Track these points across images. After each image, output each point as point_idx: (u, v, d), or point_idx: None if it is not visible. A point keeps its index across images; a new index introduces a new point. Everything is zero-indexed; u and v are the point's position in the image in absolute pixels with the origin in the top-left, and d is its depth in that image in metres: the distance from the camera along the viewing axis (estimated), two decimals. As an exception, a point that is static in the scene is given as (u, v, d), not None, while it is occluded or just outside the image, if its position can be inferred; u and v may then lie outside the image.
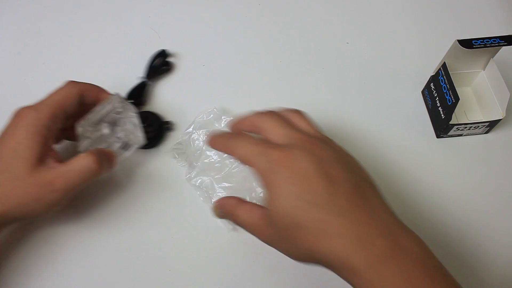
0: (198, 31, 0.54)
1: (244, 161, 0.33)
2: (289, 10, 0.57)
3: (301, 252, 0.31)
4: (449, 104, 0.43)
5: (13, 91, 0.50)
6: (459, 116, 0.48)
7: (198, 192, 0.42)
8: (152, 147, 0.45)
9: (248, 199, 0.40)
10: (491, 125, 0.46)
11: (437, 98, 0.46)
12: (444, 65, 0.44)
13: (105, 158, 0.38)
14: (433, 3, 0.57)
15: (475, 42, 0.42)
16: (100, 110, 0.39)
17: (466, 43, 0.42)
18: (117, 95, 0.41)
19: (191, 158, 0.43)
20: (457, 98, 0.41)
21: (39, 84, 0.50)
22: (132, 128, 0.41)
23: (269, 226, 0.31)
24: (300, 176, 0.30)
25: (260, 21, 0.56)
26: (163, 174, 0.44)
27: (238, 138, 0.34)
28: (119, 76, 0.51)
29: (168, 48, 0.53)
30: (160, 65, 0.50)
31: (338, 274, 0.29)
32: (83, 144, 0.39)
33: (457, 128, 0.45)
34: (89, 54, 0.53)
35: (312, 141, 0.32)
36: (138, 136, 0.42)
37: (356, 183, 0.31)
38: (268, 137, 0.33)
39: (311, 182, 0.30)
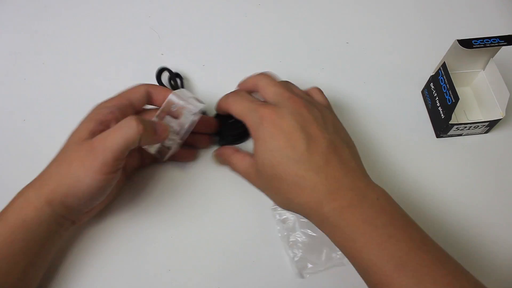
0: (198, 31, 0.54)
1: (239, 116, 0.38)
2: (289, 10, 0.57)
3: (283, 201, 0.36)
4: (449, 104, 0.43)
5: (13, 91, 0.50)
6: (458, 116, 0.48)
7: (278, 227, 0.41)
8: (242, 141, 0.46)
9: (324, 255, 0.39)
10: (491, 125, 0.46)
11: (437, 98, 0.46)
12: (444, 65, 0.44)
13: (149, 124, 0.36)
14: (433, 3, 0.57)
15: (475, 42, 0.42)
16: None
17: (466, 43, 0.42)
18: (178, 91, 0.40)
19: None
20: (457, 98, 0.42)
21: (39, 84, 0.50)
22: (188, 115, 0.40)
23: (257, 175, 0.37)
24: (284, 132, 0.34)
25: (260, 21, 0.56)
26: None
27: (237, 95, 0.39)
28: (119, 76, 0.51)
29: (168, 48, 0.53)
30: (170, 80, 0.48)
31: (312, 222, 0.35)
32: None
33: (456, 128, 0.45)
34: (89, 54, 0.53)
35: (299, 101, 0.36)
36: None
37: (334, 142, 0.35)
38: (263, 95, 0.38)
39: (292, 139, 0.34)
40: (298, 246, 0.39)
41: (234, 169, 0.40)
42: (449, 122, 0.44)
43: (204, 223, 0.42)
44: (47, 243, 0.35)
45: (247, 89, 0.41)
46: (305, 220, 0.40)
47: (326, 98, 0.41)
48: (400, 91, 0.51)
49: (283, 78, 0.51)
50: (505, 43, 0.42)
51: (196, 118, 0.40)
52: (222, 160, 0.42)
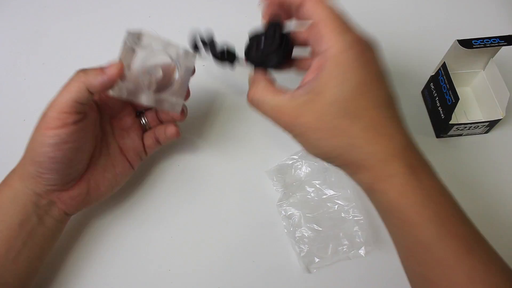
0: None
1: (317, 14, 0.31)
2: (289, 10, 0.57)
3: (334, 143, 0.30)
4: (449, 104, 0.43)
5: (13, 91, 0.50)
6: (458, 116, 0.48)
7: (284, 223, 0.41)
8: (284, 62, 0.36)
9: (330, 249, 0.39)
10: (491, 125, 0.46)
11: (437, 98, 0.46)
12: (444, 65, 0.44)
13: (92, 70, 0.35)
14: (433, 3, 0.57)
15: (475, 42, 0.42)
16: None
17: (466, 43, 0.42)
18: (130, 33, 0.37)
19: (288, 186, 0.43)
20: (457, 98, 0.41)
21: (39, 84, 0.50)
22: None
23: (306, 111, 0.30)
24: (376, 67, 0.30)
25: (260, 21, 0.56)
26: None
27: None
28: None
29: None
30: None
31: (364, 178, 0.30)
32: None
33: (456, 128, 0.45)
34: (89, 54, 0.53)
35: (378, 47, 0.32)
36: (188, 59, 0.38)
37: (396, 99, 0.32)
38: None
39: (381, 80, 0.30)
40: (304, 241, 0.40)
41: (259, 98, 0.33)
42: (449, 122, 0.44)
43: (208, 221, 0.42)
44: (26, 225, 0.34)
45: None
46: (310, 215, 0.41)
47: None
48: (400, 91, 0.50)
49: (283, 79, 0.51)
50: (505, 43, 0.42)
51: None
52: (251, 83, 0.35)
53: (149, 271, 0.40)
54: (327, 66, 0.29)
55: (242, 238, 0.41)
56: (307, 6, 0.31)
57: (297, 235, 0.40)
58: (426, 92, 0.49)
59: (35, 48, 0.53)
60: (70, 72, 0.54)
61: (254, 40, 0.36)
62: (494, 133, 0.47)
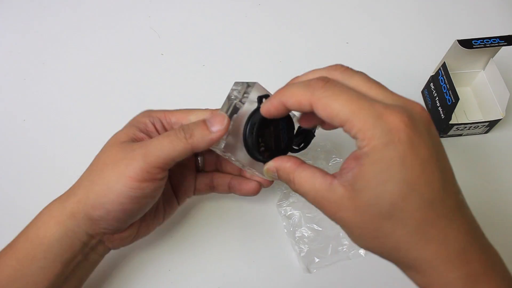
0: (198, 31, 0.54)
1: (341, 117, 0.24)
2: (289, 10, 0.57)
3: (377, 244, 0.26)
4: (449, 104, 0.43)
5: (13, 91, 0.50)
6: (458, 116, 0.48)
7: (284, 223, 0.41)
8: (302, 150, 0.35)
9: (330, 249, 0.39)
10: (491, 125, 0.46)
11: (437, 98, 0.46)
12: (444, 65, 0.44)
13: (198, 124, 0.30)
14: (433, 3, 0.57)
15: (475, 42, 0.42)
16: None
17: (466, 43, 0.42)
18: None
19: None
20: (457, 98, 0.41)
21: (39, 84, 0.50)
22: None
23: (348, 206, 0.25)
24: (420, 159, 0.24)
25: (260, 21, 0.56)
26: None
27: (332, 85, 0.25)
28: (119, 76, 0.51)
29: (168, 48, 0.53)
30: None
31: (411, 276, 0.26)
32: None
33: (456, 128, 0.45)
34: (88, 54, 0.53)
35: (423, 109, 0.25)
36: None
37: (454, 181, 0.26)
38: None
39: (428, 170, 0.24)
40: (304, 241, 0.40)
41: (298, 190, 0.29)
42: (449, 122, 0.44)
43: (208, 220, 0.42)
44: (71, 263, 0.31)
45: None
46: (310, 215, 0.40)
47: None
48: (400, 91, 0.50)
49: (283, 78, 0.51)
50: (505, 43, 0.42)
51: None
52: (280, 176, 0.30)
53: (149, 271, 0.40)
54: (366, 163, 0.24)
55: (242, 238, 0.41)
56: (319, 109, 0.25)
57: (297, 235, 0.40)
58: (426, 92, 0.49)
59: (35, 48, 0.53)
60: (70, 72, 0.54)
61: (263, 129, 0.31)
62: (494, 133, 0.47)
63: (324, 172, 0.27)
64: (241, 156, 0.32)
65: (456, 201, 0.25)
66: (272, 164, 0.30)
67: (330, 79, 0.26)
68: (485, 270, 0.25)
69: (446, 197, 0.24)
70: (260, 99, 0.30)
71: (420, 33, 0.55)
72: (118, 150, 0.30)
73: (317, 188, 0.27)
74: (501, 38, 0.42)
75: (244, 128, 0.31)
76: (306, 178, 0.27)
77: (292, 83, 0.28)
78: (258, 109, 0.30)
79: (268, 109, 0.28)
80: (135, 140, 0.32)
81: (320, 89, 0.25)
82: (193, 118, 0.33)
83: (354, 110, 0.24)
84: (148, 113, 0.34)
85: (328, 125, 0.30)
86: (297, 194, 0.41)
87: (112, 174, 0.30)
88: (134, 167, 0.29)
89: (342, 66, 0.28)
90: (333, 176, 0.26)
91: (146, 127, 0.33)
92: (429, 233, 0.24)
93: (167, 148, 0.29)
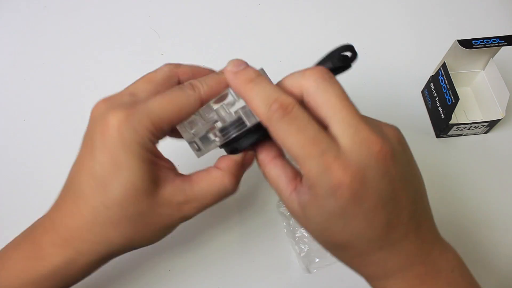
0: (198, 31, 0.54)
1: (290, 151, 0.24)
2: (289, 10, 0.57)
3: (334, 254, 0.28)
4: (449, 104, 0.43)
5: (13, 91, 0.50)
6: (459, 116, 0.48)
7: (284, 223, 0.41)
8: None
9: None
10: (491, 125, 0.46)
11: (437, 98, 0.46)
12: (444, 65, 0.44)
13: (242, 172, 0.29)
14: (433, 3, 0.57)
15: (475, 42, 0.42)
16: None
17: (466, 43, 0.42)
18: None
19: None
20: (457, 98, 0.42)
21: (39, 84, 0.50)
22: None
23: (299, 218, 0.27)
24: (364, 210, 0.24)
25: (260, 21, 0.56)
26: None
27: (286, 114, 0.24)
28: (119, 76, 0.51)
29: (168, 48, 0.53)
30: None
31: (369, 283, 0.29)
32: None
33: (457, 128, 0.45)
34: (89, 54, 0.53)
35: (389, 156, 0.24)
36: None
37: (417, 209, 0.26)
38: (324, 119, 0.25)
39: (372, 217, 0.24)
40: (304, 241, 0.40)
41: (269, 182, 0.28)
42: (449, 122, 0.44)
43: (208, 220, 0.42)
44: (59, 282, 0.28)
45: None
46: None
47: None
48: (400, 91, 0.51)
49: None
50: (505, 43, 0.42)
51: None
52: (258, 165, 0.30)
53: (149, 271, 0.40)
54: (312, 201, 0.25)
55: (242, 238, 0.41)
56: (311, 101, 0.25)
57: (297, 235, 0.40)
58: (426, 92, 0.49)
59: (35, 48, 0.53)
60: (70, 72, 0.54)
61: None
62: (494, 133, 0.47)
63: (290, 176, 0.27)
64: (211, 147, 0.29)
65: (404, 231, 0.26)
66: (251, 153, 0.30)
67: (290, 110, 0.24)
68: (423, 281, 0.26)
69: (390, 232, 0.25)
70: None
71: (420, 33, 0.55)
72: (155, 203, 0.27)
73: (280, 189, 0.27)
74: (501, 38, 0.42)
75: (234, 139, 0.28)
76: (274, 176, 0.27)
77: (255, 94, 0.26)
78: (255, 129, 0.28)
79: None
80: (156, 185, 0.27)
81: (278, 120, 0.24)
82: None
83: (304, 155, 0.24)
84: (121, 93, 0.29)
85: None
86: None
87: (154, 232, 0.29)
88: (176, 224, 0.29)
89: (322, 74, 0.26)
90: (295, 184, 0.26)
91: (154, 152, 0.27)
92: (368, 259, 0.26)
93: (170, 105, 0.26)
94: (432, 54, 0.49)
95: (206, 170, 0.29)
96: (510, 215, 0.43)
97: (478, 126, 0.45)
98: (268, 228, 0.42)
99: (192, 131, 0.29)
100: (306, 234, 0.40)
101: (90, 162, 0.26)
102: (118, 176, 0.25)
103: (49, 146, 0.46)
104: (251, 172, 0.44)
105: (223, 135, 0.29)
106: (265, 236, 0.41)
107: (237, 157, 0.29)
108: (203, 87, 0.28)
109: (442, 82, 0.44)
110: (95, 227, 0.26)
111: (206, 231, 0.42)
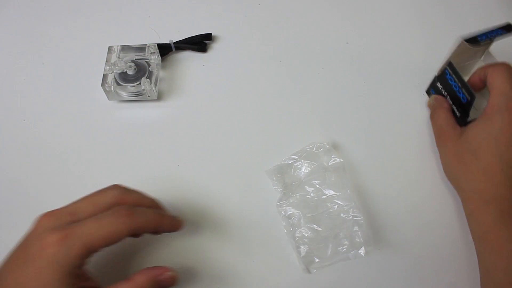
0: (198, 31, 0.54)
1: (499, 88, 0.39)
2: (289, 10, 0.57)
3: (456, 170, 0.40)
4: (464, 102, 0.42)
5: (13, 91, 0.50)
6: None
7: (284, 223, 0.41)
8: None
9: (330, 249, 0.39)
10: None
11: (448, 97, 0.45)
12: (450, 65, 0.43)
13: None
14: (433, 3, 0.57)
15: (480, 38, 0.42)
16: None
17: (473, 41, 0.42)
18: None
19: (288, 186, 0.42)
20: (472, 96, 0.41)
21: (39, 84, 0.51)
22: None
23: (454, 138, 0.41)
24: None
25: (260, 21, 0.56)
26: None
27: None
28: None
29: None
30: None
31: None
32: None
33: None
34: (89, 54, 0.53)
35: None
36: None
37: None
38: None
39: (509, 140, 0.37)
40: (304, 242, 0.39)
41: (432, 120, 0.45)
42: (468, 119, 0.43)
43: (208, 221, 0.42)
44: None
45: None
46: (310, 215, 0.40)
47: None
48: (400, 91, 0.50)
49: (283, 78, 0.51)
50: (506, 32, 0.42)
51: None
52: (433, 106, 0.46)
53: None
54: (482, 116, 0.40)
55: (242, 238, 0.41)
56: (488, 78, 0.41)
57: (297, 235, 0.40)
58: (433, 92, 0.48)
59: (35, 48, 0.53)
60: (70, 72, 0.54)
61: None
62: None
63: (454, 120, 0.43)
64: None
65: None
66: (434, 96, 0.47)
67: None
68: None
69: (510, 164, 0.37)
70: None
71: (420, 32, 0.55)
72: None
73: (447, 123, 0.43)
74: (501, 28, 0.42)
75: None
76: (443, 116, 0.44)
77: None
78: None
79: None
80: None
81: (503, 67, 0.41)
82: None
83: (504, 92, 0.39)
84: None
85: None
86: (297, 194, 0.41)
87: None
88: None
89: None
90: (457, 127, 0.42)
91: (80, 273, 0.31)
92: (490, 174, 0.37)
93: (102, 232, 0.30)
94: (432, 54, 0.49)
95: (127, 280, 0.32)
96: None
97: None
98: (268, 228, 0.42)
99: None
100: (306, 234, 0.40)
101: (19, 271, 0.29)
102: None
103: (49, 146, 0.46)
104: (251, 173, 0.44)
105: None
106: (265, 236, 0.41)
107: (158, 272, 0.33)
108: (137, 218, 0.32)
109: (451, 81, 0.44)
110: None
111: (205, 231, 0.42)
